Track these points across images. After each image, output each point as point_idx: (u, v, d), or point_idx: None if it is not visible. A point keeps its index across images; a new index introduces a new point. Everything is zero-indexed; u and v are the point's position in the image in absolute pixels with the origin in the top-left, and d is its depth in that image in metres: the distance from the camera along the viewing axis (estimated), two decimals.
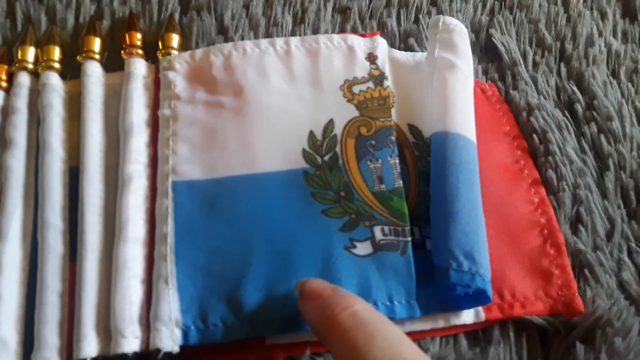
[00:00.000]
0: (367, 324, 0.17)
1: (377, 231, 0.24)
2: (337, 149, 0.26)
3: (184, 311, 0.22)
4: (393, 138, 0.26)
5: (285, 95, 0.27)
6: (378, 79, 0.28)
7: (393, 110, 0.28)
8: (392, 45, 0.33)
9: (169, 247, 0.23)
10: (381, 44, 0.29)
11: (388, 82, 0.28)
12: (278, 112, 0.26)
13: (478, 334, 0.25)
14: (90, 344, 0.22)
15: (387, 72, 0.28)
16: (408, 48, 0.33)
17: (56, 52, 0.29)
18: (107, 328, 0.23)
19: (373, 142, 0.26)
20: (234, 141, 0.25)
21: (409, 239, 0.24)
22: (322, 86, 0.27)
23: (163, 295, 0.23)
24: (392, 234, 0.24)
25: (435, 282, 0.24)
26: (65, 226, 0.24)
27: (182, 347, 0.22)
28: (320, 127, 0.26)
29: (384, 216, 0.24)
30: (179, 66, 0.27)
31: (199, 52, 0.27)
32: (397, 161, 0.26)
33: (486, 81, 0.33)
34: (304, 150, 0.26)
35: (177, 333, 0.22)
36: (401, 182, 0.25)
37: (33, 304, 0.23)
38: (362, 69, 0.28)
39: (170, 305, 0.22)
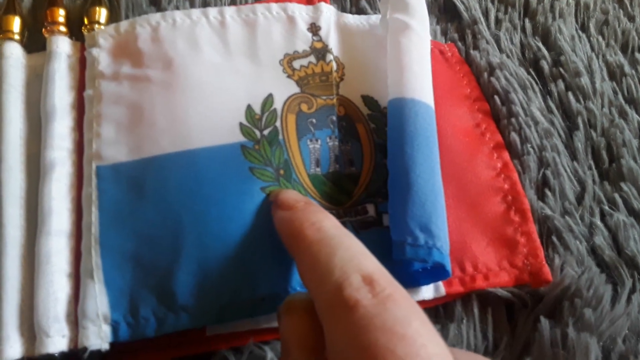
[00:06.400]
0: (332, 238, 0.18)
1: None
2: (277, 123, 0.24)
3: (113, 306, 0.21)
4: (334, 118, 0.25)
5: (220, 68, 0.25)
6: (320, 52, 0.26)
7: (343, 83, 0.26)
8: (342, 9, 0.30)
9: (93, 238, 0.21)
10: (325, 12, 0.27)
11: (331, 56, 0.26)
12: (211, 85, 0.24)
13: (439, 311, 0.23)
14: (13, 346, 0.20)
15: (333, 43, 0.26)
16: (360, 11, 0.30)
17: None
18: (32, 328, 0.21)
19: (314, 121, 0.24)
20: (163, 117, 0.23)
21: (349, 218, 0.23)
22: (260, 60, 0.25)
23: (89, 290, 0.21)
24: None
25: (393, 259, 0.22)
26: None
27: (117, 344, 0.20)
28: (258, 101, 0.24)
29: (317, 200, 0.23)
30: (102, 41, 0.25)
31: (124, 24, 0.25)
32: (337, 144, 0.24)
33: (445, 42, 0.31)
34: (241, 124, 0.23)
35: (106, 329, 0.20)
36: (338, 166, 0.24)
37: None
38: (303, 41, 0.26)
39: (97, 300, 0.21)
